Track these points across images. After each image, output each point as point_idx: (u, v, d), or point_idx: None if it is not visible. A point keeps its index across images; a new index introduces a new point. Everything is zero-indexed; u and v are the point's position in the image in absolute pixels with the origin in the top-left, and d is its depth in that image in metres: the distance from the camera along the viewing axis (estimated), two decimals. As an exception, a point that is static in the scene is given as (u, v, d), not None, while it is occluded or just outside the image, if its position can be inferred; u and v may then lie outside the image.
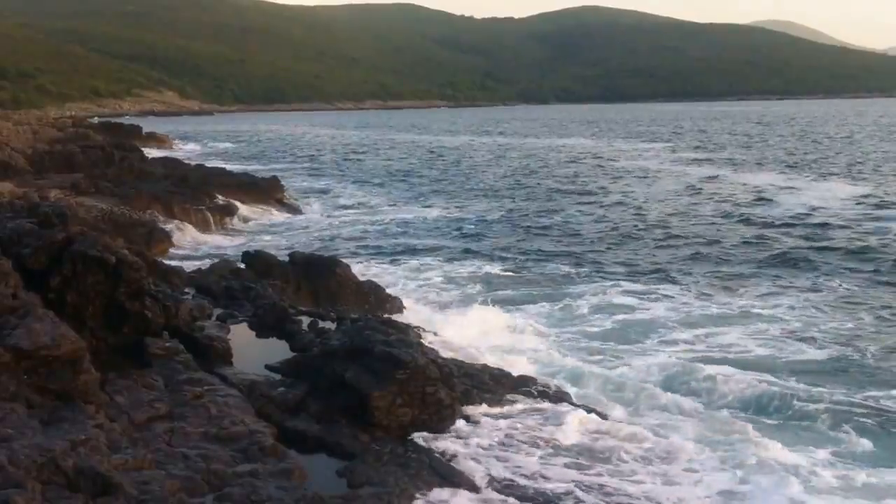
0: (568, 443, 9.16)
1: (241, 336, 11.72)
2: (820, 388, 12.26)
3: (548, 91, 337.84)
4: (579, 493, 8.04)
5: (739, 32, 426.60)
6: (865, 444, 10.30)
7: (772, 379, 12.63)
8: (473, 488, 7.83)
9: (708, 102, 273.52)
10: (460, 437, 8.83)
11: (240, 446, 7.71)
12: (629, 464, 9.01)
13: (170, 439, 7.67)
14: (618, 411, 11.02)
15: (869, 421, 11.03)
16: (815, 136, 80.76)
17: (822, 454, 9.88)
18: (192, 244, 25.19)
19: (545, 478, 8.23)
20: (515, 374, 11.24)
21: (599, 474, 8.61)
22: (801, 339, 14.84)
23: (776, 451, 9.59)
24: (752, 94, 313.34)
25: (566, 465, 8.63)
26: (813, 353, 14.10)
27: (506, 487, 7.90)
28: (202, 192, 33.31)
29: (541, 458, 8.71)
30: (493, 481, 7.96)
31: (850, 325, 15.78)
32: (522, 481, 8.07)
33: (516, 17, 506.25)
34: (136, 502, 6.32)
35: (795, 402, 11.61)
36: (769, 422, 11.11)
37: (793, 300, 17.76)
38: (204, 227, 28.57)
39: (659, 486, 8.61)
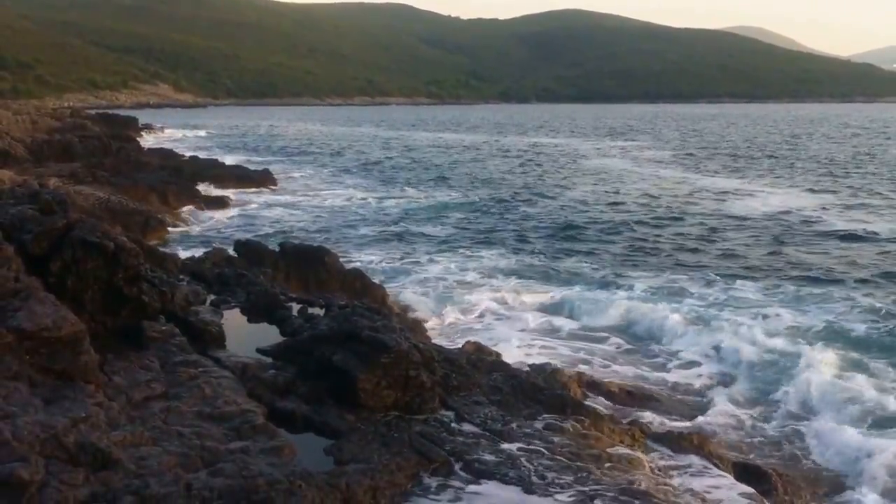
0: (539, 426, 9.46)
1: (233, 321, 12.00)
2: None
3: (529, 91, 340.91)
4: (553, 475, 8.24)
5: (712, 38, 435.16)
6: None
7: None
8: (450, 466, 8.15)
9: (680, 104, 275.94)
10: (439, 419, 9.12)
11: (232, 425, 7.94)
12: (602, 446, 9.31)
13: (166, 417, 7.87)
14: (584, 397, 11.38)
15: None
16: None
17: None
18: (185, 233, 25.44)
19: (520, 460, 8.48)
20: (491, 359, 11.58)
21: (573, 458, 8.84)
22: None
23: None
24: (721, 97, 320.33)
25: (540, 449, 8.85)
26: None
27: (480, 466, 8.17)
28: (196, 182, 33.66)
29: (515, 440, 8.97)
30: (468, 462, 8.23)
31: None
32: (495, 459, 8.34)
33: (501, 18, 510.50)
34: (135, 476, 6.54)
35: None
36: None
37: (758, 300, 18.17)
38: (198, 216, 28.84)
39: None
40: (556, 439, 9.17)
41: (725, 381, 13.31)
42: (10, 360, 7.54)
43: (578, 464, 8.60)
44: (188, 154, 49.47)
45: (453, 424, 9.10)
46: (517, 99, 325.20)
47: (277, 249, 17.39)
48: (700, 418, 11.81)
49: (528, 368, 11.91)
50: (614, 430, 9.94)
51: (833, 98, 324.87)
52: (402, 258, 22.53)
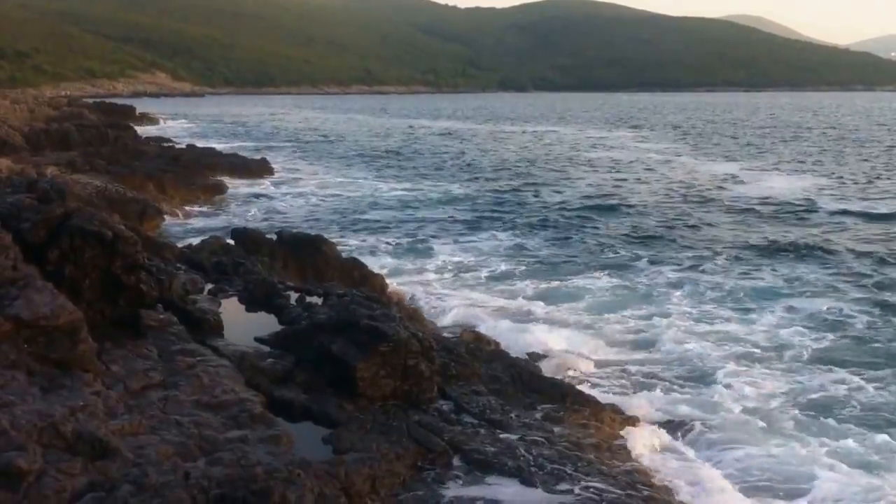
0: (538, 416, 9.45)
1: (231, 309, 11.97)
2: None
3: (526, 80, 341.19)
4: (552, 465, 8.25)
5: (710, 26, 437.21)
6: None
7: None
8: (449, 456, 8.15)
9: (678, 93, 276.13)
10: (438, 408, 9.13)
11: (230, 414, 7.94)
12: (602, 436, 9.30)
13: (164, 406, 7.87)
14: (584, 386, 11.38)
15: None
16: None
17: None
18: (183, 221, 25.39)
19: (519, 450, 8.48)
20: (490, 348, 11.58)
21: (573, 447, 8.85)
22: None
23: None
24: (719, 85, 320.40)
25: (540, 439, 8.86)
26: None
27: (478, 457, 8.17)
28: (193, 171, 33.63)
29: (514, 430, 8.97)
30: (467, 452, 8.24)
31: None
32: (494, 450, 8.34)
33: (498, 7, 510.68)
34: (133, 465, 6.52)
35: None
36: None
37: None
38: (195, 205, 28.79)
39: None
40: (555, 429, 9.18)
41: (725, 373, 13.27)
42: (8, 349, 7.52)
43: (578, 453, 8.61)
44: (185, 142, 49.39)
45: (452, 414, 9.10)
46: (515, 88, 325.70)
47: (275, 238, 17.36)
48: (700, 410, 11.78)
49: (527, 357, 11.89)
50: (614, 420, 9.94)
51: (832, 87, 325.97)
52: (405, 247, 22.49)
